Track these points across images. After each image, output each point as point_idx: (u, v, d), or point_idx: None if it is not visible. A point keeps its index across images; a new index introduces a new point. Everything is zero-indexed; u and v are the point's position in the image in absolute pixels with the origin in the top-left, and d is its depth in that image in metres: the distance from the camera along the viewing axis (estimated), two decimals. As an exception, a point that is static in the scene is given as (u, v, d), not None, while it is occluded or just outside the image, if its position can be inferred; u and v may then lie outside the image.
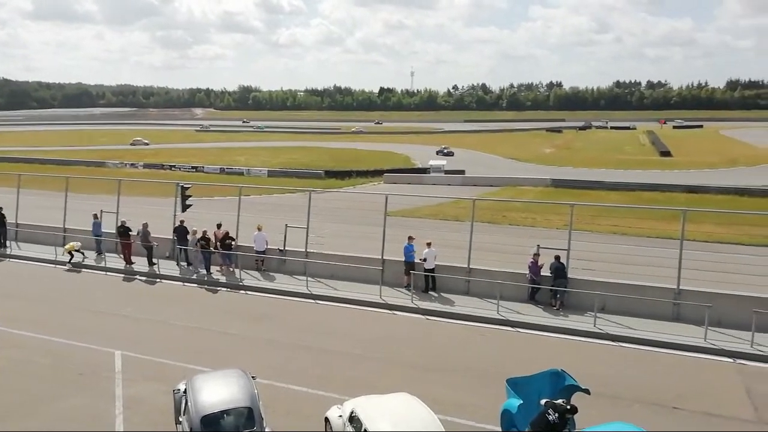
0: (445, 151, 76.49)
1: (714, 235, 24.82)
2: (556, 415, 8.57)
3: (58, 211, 23.98)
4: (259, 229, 20.11)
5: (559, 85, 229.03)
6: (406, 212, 31.12)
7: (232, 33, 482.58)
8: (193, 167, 62.22)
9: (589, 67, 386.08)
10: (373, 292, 17.65)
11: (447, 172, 55.55)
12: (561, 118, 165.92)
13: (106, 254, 22.29)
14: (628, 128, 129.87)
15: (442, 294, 17.73)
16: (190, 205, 21.71)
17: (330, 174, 55.80)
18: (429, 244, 17.87)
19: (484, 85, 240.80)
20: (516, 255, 18.53)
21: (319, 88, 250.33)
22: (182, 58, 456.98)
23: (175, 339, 14.67)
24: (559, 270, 16.40)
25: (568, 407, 8.72)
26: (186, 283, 19.56)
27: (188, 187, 22.04)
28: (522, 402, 9.11)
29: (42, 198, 30.84)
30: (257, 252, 20.11)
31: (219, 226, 20.54)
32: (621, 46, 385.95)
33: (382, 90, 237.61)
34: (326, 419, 9.94)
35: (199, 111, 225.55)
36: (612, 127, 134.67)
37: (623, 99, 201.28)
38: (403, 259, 18.06)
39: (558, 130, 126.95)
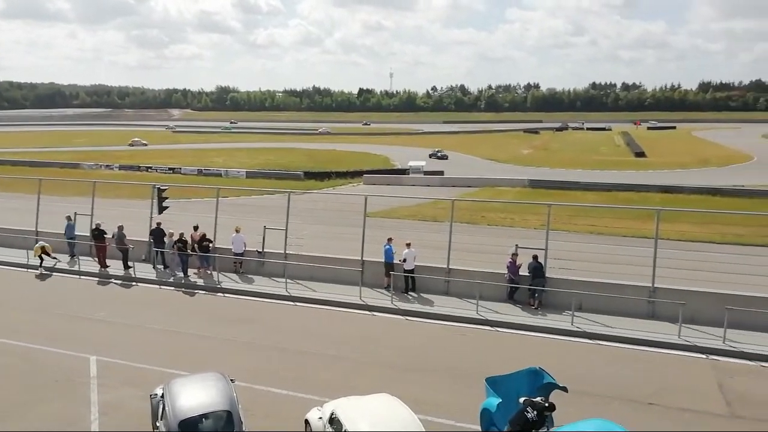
0: (439, 154, 75.12)
1: (688, 234, 25.33)
2: (535, 412, 8.66)
3: (30, 214, 23.44)
4: (237, 231, 19.93)
5: (537, 86, 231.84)
6: (386, 213, 31.16)
7: (209, 33, 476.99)
8: (170, 169, 61.49)
9: (566, 69, 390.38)
10: (352, 293, 17.62)
11: (426, 172, 55.77)
12: (538, 119, 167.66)
13: (80, 257, 21.87)
14: (603, 129, 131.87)
15: (421, 294, 17.77)
16: (167, 207, 21.44)
17: (309, 175, 55.62)
18: (408, 245, 17.90)
19: (462, 86, 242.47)
20: (495, 255, 18.66)
21: (298, 89, 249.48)
22: (158, 58, 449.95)
23: (151, 343, 14.46)
24: (538, 269, 16.56)
25: (547, 405, 8.84)
26: (163, 286, 19.30)
27: (165, 189, 21.76)
28: (501, 400, 9.17)
29: (14, 200, 30.17)
30: (235, 254, 19.93)
31: (196, 228, 20.30)
32: (596, 49, 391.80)
33: (361, 91, 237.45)
34: (306, 421, 9.90)
35: (176, 112, 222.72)
36: (588, 128, 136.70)
37: (599, 100, 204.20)
38: (382, 259, 18.07)
39: (535, 131, 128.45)
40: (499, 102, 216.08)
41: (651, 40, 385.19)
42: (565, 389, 9.43)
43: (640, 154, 76.66)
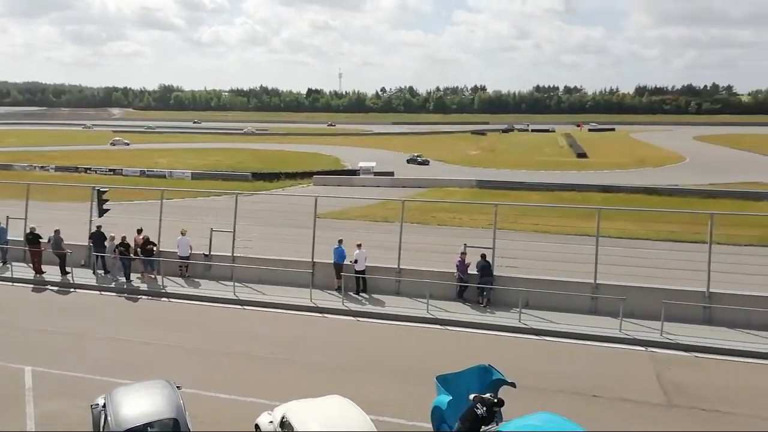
0: (419, 159, 70.11)
1: (627, 232, 26.48)
2: (484, 408, 8.81)
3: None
4: (183, 234, 19.40)
5: (483, 88, 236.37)
6: (336, 214, 31.07)
7: (150, 29, 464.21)
8: (110, 170, 59.32)
9: (511, 72, 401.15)
10: (303, 295, 17.45)
11: (376, 173, 55.97)
12: (485, 120, 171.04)
13: (13, 263, 20.72)
14: (547, 131, 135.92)
15: (373, 295, 17.78)
16: (108, 210, 20.62)
17: (257, 176, 54.81)
18: (359, 246, 17.88)
19: (411, 87, 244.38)
20: (444, 254, 18.89)
21: (244, 89, 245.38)
22: (96, 55, 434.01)
23: (91, 352, 13.85)
24: (486, 268, 16.86)
25: (496, 400, 9.01)
26: (103, 292, 18.53)
27: (105, 191, 20.94)
28: (452, 398, 9.29)
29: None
30: (181, 257, 19.38)
31: (140, 231, 19.62)
32: (540, 53, 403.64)
33: (310, 91, 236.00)
34: (256, 426, 9.74)
35: (116, 111, 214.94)
36: (533, 130, 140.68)
37: (543, 103, 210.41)
38: (333, 261, 17.99)
39: (482, 133, 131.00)
40: (447, 104, 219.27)
41: (591, 45, 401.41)
42: (513, 385, 9.64)
43: (582, 155, 79.46)
